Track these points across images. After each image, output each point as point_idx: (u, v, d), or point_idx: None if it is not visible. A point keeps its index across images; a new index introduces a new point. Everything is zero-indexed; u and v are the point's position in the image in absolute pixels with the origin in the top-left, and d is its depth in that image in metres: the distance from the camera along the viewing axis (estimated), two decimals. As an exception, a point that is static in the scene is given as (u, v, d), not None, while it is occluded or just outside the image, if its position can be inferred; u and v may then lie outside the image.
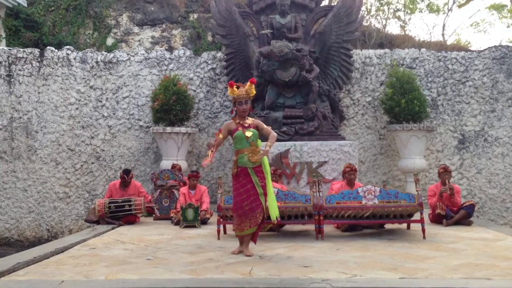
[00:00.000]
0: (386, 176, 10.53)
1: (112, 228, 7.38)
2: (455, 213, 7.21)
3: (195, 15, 12.69)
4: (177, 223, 7.65)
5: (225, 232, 6.74)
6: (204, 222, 7.71)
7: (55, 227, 10.65)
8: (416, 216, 6.42)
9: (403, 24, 16.04)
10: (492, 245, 5.71)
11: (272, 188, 5.46)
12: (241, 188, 5.30)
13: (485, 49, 10.75)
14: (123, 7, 12.88)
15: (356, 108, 10.74)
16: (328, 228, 6.67)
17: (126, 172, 8.11)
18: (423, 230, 6.17)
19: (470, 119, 10.56)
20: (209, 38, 12.24)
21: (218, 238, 6.33)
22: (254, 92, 5.49)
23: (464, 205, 7.24)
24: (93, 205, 8.00)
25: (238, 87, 5.43)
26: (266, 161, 5.41)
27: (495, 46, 10.74)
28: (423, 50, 10.86)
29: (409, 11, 16.33)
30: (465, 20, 29.70)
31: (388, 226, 6.91)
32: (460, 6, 17.68)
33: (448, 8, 17.21)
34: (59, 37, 12.16)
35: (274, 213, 5.37)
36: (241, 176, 5.31)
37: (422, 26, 29.05)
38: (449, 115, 10.59)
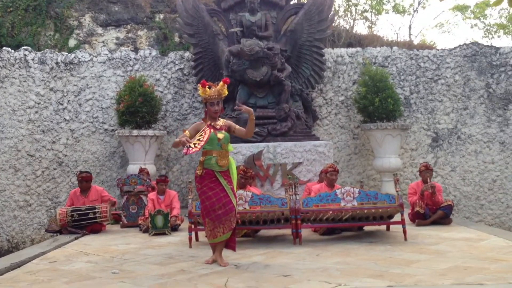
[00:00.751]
0: (361, 176, 10.33)
1: (76, 238, 6.89)
2: (433, 212, 7.02)
3: (161, 16, 12.22)
4: (145, 231, 7.21)
5: (197, 239, 6.36)
6: (175, 229, 7.30)
7: (16, 237, 10.02)
8: (397, 217, 6.18)
9: (371, 25, 16.10)
10: (477, 245, 5.51)
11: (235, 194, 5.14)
12: (209, 191, 4.96)
13: (456, 47, 10.70)
14: (85, 7, 12.29)
15: (329, 107, 10.51)
16: (305, 231, 6.37)
17: (83, 174, 7.59)
18: (404, 232, 5.93)
19: (443, 117, 10.48)
20: (176, 39, 11.80)
21: (190, 246, 5.94)
22: (226, 92, 5.18)
23: (442, 205, 7.06)
24: (54, 213, 7.44)
25: (210, 87, 5.09)
26: (233, 166, 5.11)
27: (465, 44, 10.71)
28: (394, 48, 10.74)
29: (376, 12, 16.41)
30: (430, 21, 30.20)
31: (367, 228, 6.66)
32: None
33: (413, 9, 17.37)
34: (18, 38, 11.50)
35: None
36: (207, 179, 4.97)
37: (389, 27, 29.33)
38: (422, 113, 10.48)
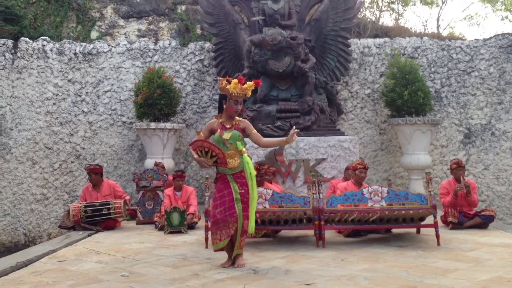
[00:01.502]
0: (387, 174, 9.85)
1: (89, 235, 6.63)
2: (469, 217, 6.51)
3: (183, 7, 11.89)
4: (161, 228, 6.91)
5: (213, 239, 6.02)
6: (192, 226, 6.99)
7: (33, 231, 9.87)
8: (429, 219, 5.73)
9: (398, 16, 15.53)
10: (518, 252, 5.03)
11: (256, 194, 4.76)
12: (217, 193, 4.66)
13: (491, 37, 10.09)
14: (107, -1, 12.07)
15: (354, 101, 10.03)
16: (329, 233, 5.97)
17: (91, 166, 7.33)
18: (437, 236, 5.47)
19: (476, 112, 9.90)
20: (198, 31, 11.46)
21: (206, 247, 5.61)
22: (250, 94, 4.85)
23: (482, 213, 6.52)
24: (67, 209, 7.20)
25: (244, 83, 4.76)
26: (249, 163, 4.71)
27: (501, 34, 10.09)
28: (425, 38, 10.18)
29: (403, 4, 15.85)
30: (459, 13, 29.20)
31: (395, 230, 6.22)
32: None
33: (442, 1, 16.69)
34: (40, 30, 11.31)
35: (251, 226, 4.70)
36: (220, 181, 4.71)
37: (416, 19, 28.47)
38: (454, 108, 9.92)
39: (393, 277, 4.14)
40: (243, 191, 4.63)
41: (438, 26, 16.65)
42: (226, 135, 4.66)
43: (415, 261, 4.74)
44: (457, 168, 6.60)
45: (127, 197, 7.35)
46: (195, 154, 4.61)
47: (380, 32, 11.91)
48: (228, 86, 4.70)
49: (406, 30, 12.71)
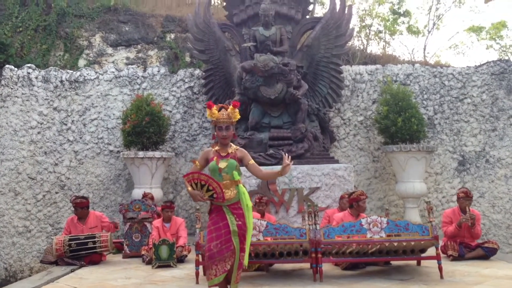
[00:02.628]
0: (382, 202, 9.62)
1: (72, 271, 6.26)
2: (471, 248, 6.27)
3: (172, 35, 11.80)
4: (149, 262, 6.57)
5: (205, 273, 5.68)
6: (181, 260, 6.66)
7: (14, 265, 9.42)
8: (430, 251, 5.48)
9: (385, 45, 15.66)
10: (526, 286, 4.79)
11: (251, 226, 4.50)
12: (212, 225, 4.38)
13: (482, 64, 10.06)
14: (95, 27, 11.92)
15: (347, 128, 9.87)
16: (326, 265, 5.67)
17: (77, 200, 7.01)
18: (440, 269, 5.21)
19: (470, 139, 9.77)
20: (187, 59, 11.35)
21: (197, 282, 5.30)
22: (238, 116, 4.61)
23: (485, 245, 6.30)
24: (50, 243, 6.82)
25: (220, 109, 4.52)
26: (245, 194, 4.46)
27: (493, 61, 10.07)
28: (417, 65, 10.13)
29: (390, 33, 16.01)
30: (445, 42, 29.69)
31: (395, 262, 5.95)
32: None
33: (428, 30, 16.88)
34: (27, 59, 11.10)
35: (246, 258, 4.43)
36: (214, 212, 4.43)
37: (403, 48, 28.83)
38: (447, 135, 9.79)
39: (399, 315, 3.86)
40: (240, 222, 4.36)
41: (424, 55, 16.79)
42: (222, 164, 4.42)
43: (419, 296, 4.47)
44: (465, 198, 6.36)
45: (112, 225, 6.97)
46: (189, 187, 4.34)
47: (369, 60, 11.89)
48: (207, 115, 4.53)
49: (394, 58, 12.74)
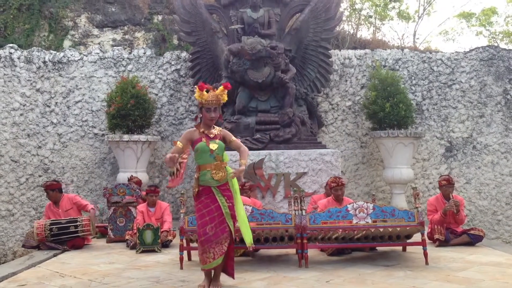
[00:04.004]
0: (369, 188, 9.61)
1: (54, 255, 6.16)
2: (457, 234, 6.27)
3: (160, 17, 11.55)
4: (133, 247, 6.49)
5: (189, 258, 5.66)
6: (166, 245, 6.59)
7: (-3, 249, 9.28)
8: (416, 237, 5.46)
9: (375, 30, 15.55)
10: (510, 272, 4.77)
11: (242, 209, 4.47)
12: (203, 208, 4.34)
13: (471, 50, 10.01)
14: (81, 7, 11.62)
15: (335, 113, 9.80)
16: (311, 251, 5.63)
17: (47, 183, 6.93)
18: (426, 255, 5.19)
19: (457, 125, 9.76)
20: (175, 41, 11.13)
21: (181, 268, 5.23)
22: (226, 98, 4.55)
23: (471, 232, 6.29)
24: (32, 227, 6.69)
25: (208, 91, 4.45)
26: (234, 179, 4.44)
27: (482, 47, 10.02)
28: (406, 50, 10.05)
29: (380, 18, 15.89)
30: (435, 28, 29.57)
31: (380, 248, 5.93)
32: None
33: (418, 16, 16.78)
34: (10, 39, 10.81)
35: (248, 238, 4.39)
36: (203, 195, 4.39)
37: (393, 34, 28.71)
38: (435, 121, 9.77)
39: (384, 302, 3.83)
40: (230, 204, 4.37)
41: (414, 41, 16.72)
42: (213, 145, 4.40)
43: (404, 282, 4.45)
44: (447, 185, 6.35)
45: (90, 207, 6.83)
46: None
47: (359, 45, 11.76)
48: (195, 95, 4.45)
49: (384, 43, 12.62)
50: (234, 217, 4.38)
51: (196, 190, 4.41)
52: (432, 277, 4.59)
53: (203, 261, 4.31)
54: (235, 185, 4.43)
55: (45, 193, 6.93)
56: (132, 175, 8.04)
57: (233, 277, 4.47)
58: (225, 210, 4.31)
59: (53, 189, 6.80)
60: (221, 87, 4.50)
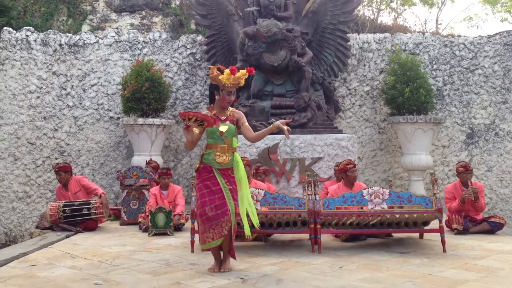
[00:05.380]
0: (387, 174, 9.42)
1: (67, 237, 6.16)
2: (476, 222, 6.08)
3: (177, 2, 11.44)
4: (145, 230, 6.46)
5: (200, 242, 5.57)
6: (178, 228, 6.53)
7: (14, 230, 9.38)
8: (433, 224, 5.30)
9: (396, 15, 15.19)
10: (532, 261, 4.60)
11: (249, 194, 4.36)
12: (204, 188, 4.24)
13: (495, 34, 9.68)
14: (99, -9, 11.59)
15: (352, 98, 9.60)
16: (325, 237, 5.52)
17: (60, 164, 6.91)
18: (443, 242, 5.02)
19: (479, 111, 9.48)
20: (193, 26, 11.01)
21: (192, 251, 5.16)
22: (243, 83, 4.45)
23: (491, 219, 6.09)
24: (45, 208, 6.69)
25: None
26: (240, 163, 4.31)
27: (506, 31, 9.68)
28: (427, 34, 9.77)
29: (402, 2, 15.53)
30: (458, 14, 28.82)
31: (396, 235, 5.78)
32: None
33: (441, 1, 16.32)
34: (28, 21, 10.83)
35: (246, 229, 4.31)
36: (204, 173, 4.28)
37: (415, 19, 28.10)
38: (457, 107, 9.50)
39: (398, 289, 3.70)
40: (231, 187, 4.25)
41: (437, 27, 16.32)
42: (223, 128, 4.29)
43: (419, 269, 4.30)
44: (465, 172, 6.13)
45: (100, 192, 6.74)
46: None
47: (379, 30, 11.49)
48: (220, 77, 4.30)
49: (405, 29, 12.30)
50: (235, 200, 4.26)
51: (197, 166, 4.32)
52: (450, 265, 4.43)
53: (202, 241, 4.24)
54: (241, 171, 4.29)
55: (56, 175, 6.90)
56: (151, 159, 8.00)
57: (234, 258, 4.37)
58: (226, 192, 4.20)
59: (66, 171, 6.79)
60: (243, 71, 4.38)
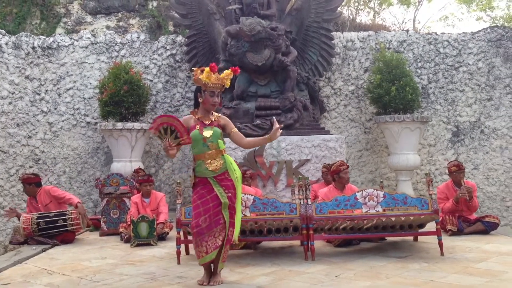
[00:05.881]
0: (373, 175, 9.25)
1: (43, 250, 5.79)
2: (470, 222, 5.92)
3: (154, 3, 11.12)
4: (127, 241, 6.13)
5: (187, 252, 5.31)
6: (162, 237, 6.22)
7: (-13, 244, 8.91)
8: (429, 226, 5.11)
9: (375, 15, 15.19)
10: (534, 263, 4.43)
11: (239, 201, 4.13)
12: (198, 199, 3.99)
13: (479, 31, 9.60)
14: (73, -7, 11.19)
15: (337, 98, 9.40)
16: (317, 242, 5.28)
17: (25, 176, 6.55)
18: (441, 245, 4.84)
19: (464, 109, 9.38)
20: (171, 28, 10.70)
21: (178, 262, 4.87)
22: (229, 84, 4.20)
23: (485, 219, 5.94)
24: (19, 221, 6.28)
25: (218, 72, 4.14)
26: (233, 164, 4.09)
27: (490, 27, 9.62)
28: (411, 32, 9.65)
29: (380, 2, 15.55)
30: (435, 14, 29.06)
31: (390, 238, 5.57)
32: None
33: (418, 1, 16.36)
34: (1, 26, 10.36)
35: (236, 233, 4.08)
36: (199, 185, 4.04)
37: (392, 19, 28.24)
38: (442, 105, 9.39)
39: (402, 298, 3.47)
40: (230, 194, 3.99)
41: (414, 26, 16.34)
42: (207, 133, 4.03)
43: (420, 275, 4.09)
44: (458, 171, 5.98)
45: (76, 201, 6.32)
46: (156, 132, 3.98)
47: (359, 30, 11.37)
48: (201, 76, 4.04)
49: (384, 28, 12.24)
50: (233, 209, 4.01)
51: (193, 181, 4.09)
52: (450, 270, 4.23)
53: (196, 255, 3.99)
54: (237, 171, 4.07)
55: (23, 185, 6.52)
56: (139, 167, 7.64)
57: (223, 261, 4.09)
58: (224, 200, 3.94)
59: (30, 183, 6.38)
60: (227, 71, 4.12)
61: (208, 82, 4.04)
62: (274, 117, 4.58)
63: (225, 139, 4.23)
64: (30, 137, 8.97)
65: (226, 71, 4.12)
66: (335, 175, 5.72)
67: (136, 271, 4.63)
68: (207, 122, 4.10)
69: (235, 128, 4.22)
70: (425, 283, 3.83)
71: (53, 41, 9.15)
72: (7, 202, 8.90)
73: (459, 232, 5.84)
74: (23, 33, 9.30)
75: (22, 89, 9.00)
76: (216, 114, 4.22)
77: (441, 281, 3.88)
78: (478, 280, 3.86)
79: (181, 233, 5.00)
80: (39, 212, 6.18)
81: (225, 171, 4.03)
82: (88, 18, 11.04)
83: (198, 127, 4.06)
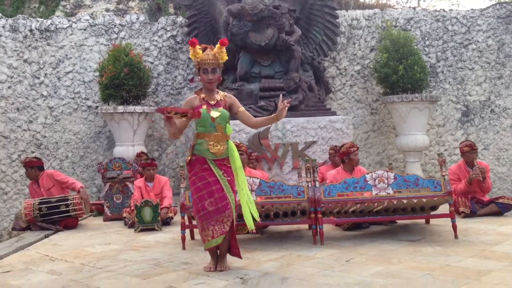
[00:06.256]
0: (381, 156, 9.08)
1: (46, 236, 5.67)
2: (483, 204, 5.76)
3: (154, -15, 10.83)
4: (131, 226, 6.01)
5: (192, 237, 5.18)
6: (167, 222, 6.10)
7: (-9, 230, 8.82)
8: (442, 208, 4.95)
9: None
10: (552, 245, 4.27)
11: (246, 186, 3.96)
12: (198, 181, 3.80)
13: (488, 7, 9.33)
14: (72, -25, 10.90)
15: (343, 78, 9.19)
16: (326, 226, 5.11)
17: (27, 159, 6.45)
18: (455, 228, 4.68)
19: (474, 88, 9.16)
20: (171, 10, 10.43)
21: (183, 248, 4.74)
22: (225, 57, 3.96)
23: (499, 200, 5.78)
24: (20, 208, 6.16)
25: (204, 49, 3.89)
26: (234, 151, 3.89)
27: (499, 4, 9.35)
28: (418, 9, 9.38)
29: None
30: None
31: (401, 221, 5.42)
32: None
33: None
34: (-2, 10, 10.14)
35: (249, 221, 3.87)
36: (197, 165, 3.85)
37: (397, -1, 27.75)
38: (451, 84, 9.16)
39: (417, 284, 3.31)
40: (229, 178, 3.82)
41: (419, 5, 15.95)
42: (215, 113, 3.84)
43: (435, 260, 3.94)
44: (470, 151, 5.80)
45: (78, 186, 6.23)
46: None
47: (363, 9, 11.07)
48: (190, 55, 3.88)
49: (389, 7, 11.93)
50: (234, 192, 3.86)
51: (189, 158, 3.88)
52: (466, 253, 4.08)
53: (202, 239, 3.83)
54: (237, 161, 3.87)
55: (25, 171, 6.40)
56: (142, 151, 7.49)
57: (240, 257, 3.96)
58: (224, 183, 3.78)
59: (32, 167, 6.28)
60: (217, 45, 3.91)
61: (197, 59, 3.87)
62: (281, 95, 4.32)
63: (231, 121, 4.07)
64: (31, 121, 8.82)
65: (217, 46, 3.92)
66: (344, 157, 5.54)
67: (140, 257, 4.50)
68: (212, 102, 3.92)
69: (242, 107, 4.03)
70: (440, 268, 3.68)
71: (51, 24, 8.93)
72: (9, 188, 8.79)
73: (472, 214, 5.69)
74: (20, 15, 9.08)
75: (21, 73, 8.82)
76: (222, 93, 4.04)
77: (457, 265, 3.73)
78: (495, 264, 3.71)
79: (186, 217, 4.87)
80: (41, 198, 6.06)
81: (226, 157, 3.86)
82: (87, 1, 10.76)
83: (204, 106, 3.88)
